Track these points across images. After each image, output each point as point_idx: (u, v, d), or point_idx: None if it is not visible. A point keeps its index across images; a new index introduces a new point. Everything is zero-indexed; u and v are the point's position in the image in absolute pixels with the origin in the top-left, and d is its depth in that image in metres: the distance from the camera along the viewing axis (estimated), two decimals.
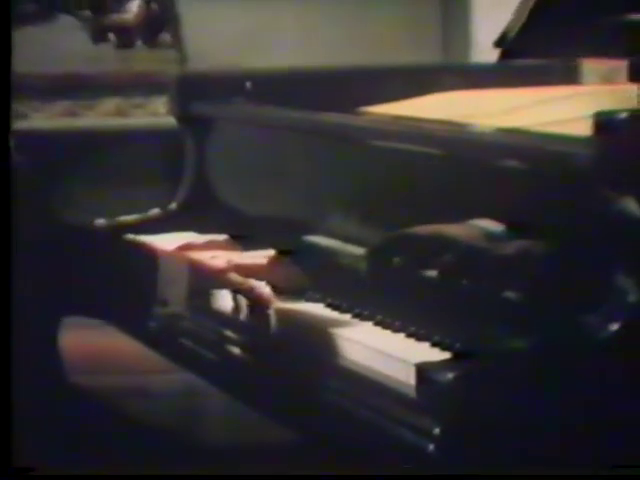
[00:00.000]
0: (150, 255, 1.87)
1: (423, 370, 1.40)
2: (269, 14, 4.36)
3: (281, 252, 1.94)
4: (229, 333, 1.90)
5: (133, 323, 2.00)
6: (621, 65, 2.26)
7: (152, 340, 2.05)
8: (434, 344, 1.51)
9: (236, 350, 1.89)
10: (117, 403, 2.17)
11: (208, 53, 4.17)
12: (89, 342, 2.24)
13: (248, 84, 2.27)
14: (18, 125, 1.92)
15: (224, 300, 1.92)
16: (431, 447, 1.35)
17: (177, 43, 4.31)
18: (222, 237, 2.05)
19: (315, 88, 2.22)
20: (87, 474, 1.80)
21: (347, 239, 1.90)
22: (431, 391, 1.38)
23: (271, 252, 1.95)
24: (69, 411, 1.87)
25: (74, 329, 1.91)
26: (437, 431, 1.35)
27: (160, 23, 4.32)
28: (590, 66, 2.33)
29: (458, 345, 1.48)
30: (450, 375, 1.37)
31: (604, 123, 1.42)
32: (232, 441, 2.36)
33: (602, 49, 2.29)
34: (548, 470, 1.35)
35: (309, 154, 2.03)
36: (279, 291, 1.86)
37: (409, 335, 1.56)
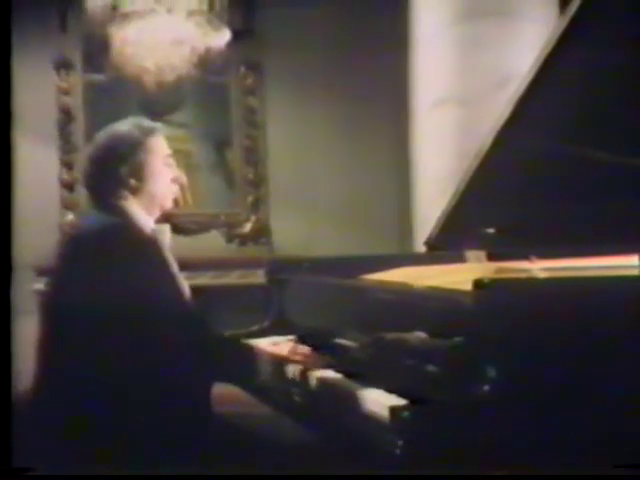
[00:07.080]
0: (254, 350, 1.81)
1: (393, 409, 1.37)
2: (318, 228, 4.34)
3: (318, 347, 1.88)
4: (292, 389, 1.80)
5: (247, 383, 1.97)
6: (483, 253, 2.28)
7: (255, 391, 2.00)
8: (398, 395, 1.46)
9: (295, 397, 1.79)
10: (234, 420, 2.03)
11: (285, 248, 4.22)
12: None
13: (305, 264, 2.26)
14: (193, 283, 1.88)
15: (288, 371, 1.83)
16: (397, 451, 1.31)
17: (268, 244, 4.37)
18: (290, 338, 2.02)
19: (338, 267, 2.20)
20: (87, 474, 1.24)
21: (355, 340, 1.85)
22: (397, 421, 1.36)
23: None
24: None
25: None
26: (400, 443, 1.32)
27: (261, 233, 4.38)
28: (470, 254, 2.31)
29: (411, 396, 1.44)
30: (407, 413, 1.35)
31: (478, 284, 1.41)
32: (288, 442, 2.21)
33: (477, 245, 2.28)
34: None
35: (336, 297, 2.01)
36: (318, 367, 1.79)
37: (385, 390, 1.52)
